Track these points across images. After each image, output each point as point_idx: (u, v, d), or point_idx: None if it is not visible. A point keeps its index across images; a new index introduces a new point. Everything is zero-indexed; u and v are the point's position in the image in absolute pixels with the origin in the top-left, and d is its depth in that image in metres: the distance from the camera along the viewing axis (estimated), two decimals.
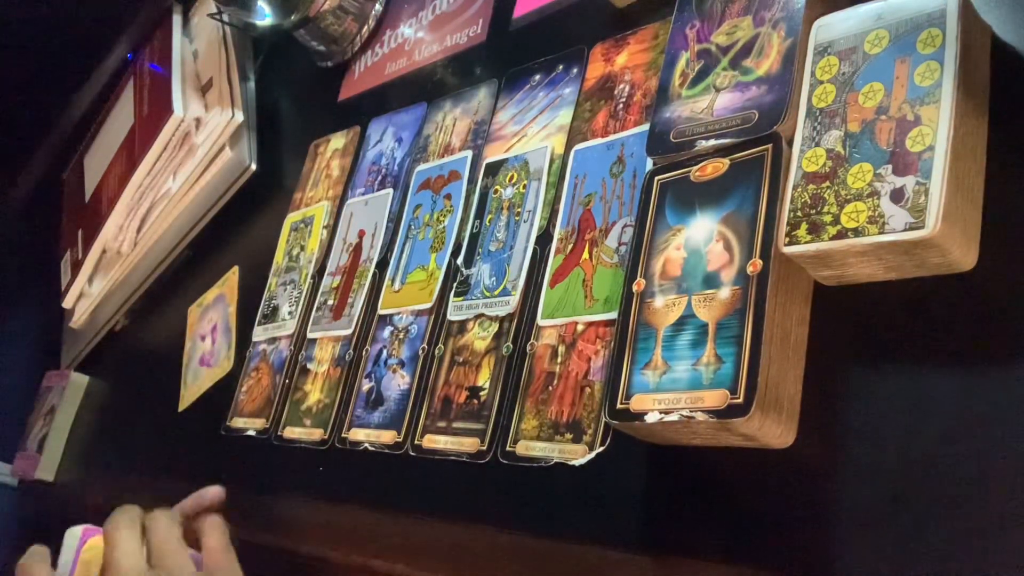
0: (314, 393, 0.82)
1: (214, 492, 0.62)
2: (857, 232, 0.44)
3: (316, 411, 0.81)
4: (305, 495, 0.78)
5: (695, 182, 0.54)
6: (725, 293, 0.49)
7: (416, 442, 0.69)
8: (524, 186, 0.72)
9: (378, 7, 1.04)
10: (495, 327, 0.68)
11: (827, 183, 0.46)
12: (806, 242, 0.46)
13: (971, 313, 0.43)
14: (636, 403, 0.50)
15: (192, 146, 1.11)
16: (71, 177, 1.47)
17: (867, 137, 0.46)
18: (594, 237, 0.64)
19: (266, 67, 1.21)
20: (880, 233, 0.43)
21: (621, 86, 0.69)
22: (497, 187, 0.74)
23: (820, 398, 0.47)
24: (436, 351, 0.72)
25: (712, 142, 0.54)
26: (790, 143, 0.50)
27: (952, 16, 0.45)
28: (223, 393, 0.95)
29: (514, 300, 0.67)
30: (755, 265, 0.48)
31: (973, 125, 0.45)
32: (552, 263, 0.66)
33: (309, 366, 0.85)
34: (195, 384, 1.02)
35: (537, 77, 0.78)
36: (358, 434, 0.74)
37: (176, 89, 1.15)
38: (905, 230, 0.42)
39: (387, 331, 0.78)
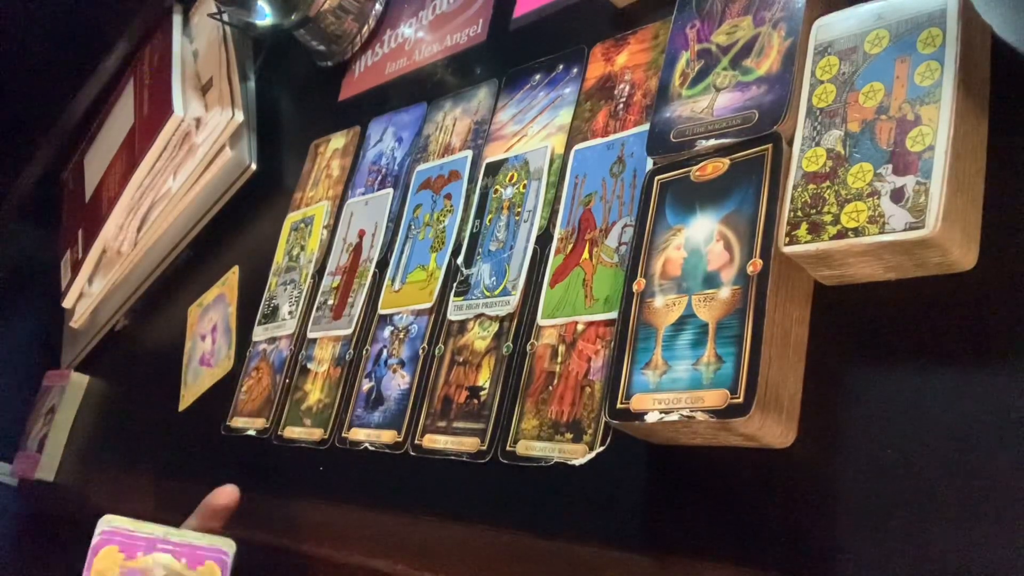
0: (314, 393, 0.82)
1: (227, 495, 0.60)
2: (857, 232, 0.44)
3: (316, 411, 0.81)
4: (305, 495, 0.78)
5: (695, 182, 0.54)
6: (725, 293, 0.49)
7: (416, 442, 0.69)
8: (524, 186, 0.72)
9: (378, 7, 1.04)
10: (495, 327, 0.68)
11: (827, 183, 0.46)
12: (806, 242, 0.45)
13: (971, 313, 0.43)
14: (636, 403, 0.50)
15: (192, 146, 1.11)
16: (71, 177, 1.46)
17: (867, 137, 0.46)
18: (594, 237, 0.64)
19: (266, 67, 1.21)
20: (880, 233, 0.43)
21: (621, 86, 0.69)
22: (497, 187, 0.74)
23: (820, 398, 0.47)
24: (436, 351, 0.72)
25: (712, 142, 0.54)
26: (790, 143, 0.50)
27: (952, 16, 0.45)
28: (223, 393, 0.95)
29: (514, 300, 0.67)
30: (755, 265, 0.48)
31: (973, 125, 0.45)
32: (552, 263, 0.66)
33: (309, 366, 0.85)
34: (195, 384, 1.02)
35: (537, 77, 0.78)
36: (358, 434, 0.74)
37: (176, 89, 1.15)
38: (905, 230, 0.42)
39: (387, 331, 0.78)
